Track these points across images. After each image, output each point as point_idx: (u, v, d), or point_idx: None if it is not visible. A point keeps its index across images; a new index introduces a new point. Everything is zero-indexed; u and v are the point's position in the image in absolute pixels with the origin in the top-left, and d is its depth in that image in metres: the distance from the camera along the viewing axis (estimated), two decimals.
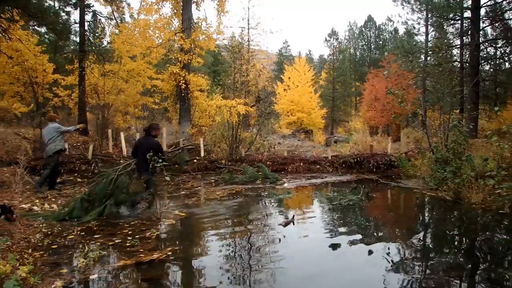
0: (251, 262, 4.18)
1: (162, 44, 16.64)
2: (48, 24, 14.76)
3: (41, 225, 5.37)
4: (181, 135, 15.86)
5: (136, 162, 6.56)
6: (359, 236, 5.25)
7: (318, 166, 12.74)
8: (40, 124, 13.77)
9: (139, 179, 6.59)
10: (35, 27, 17.89)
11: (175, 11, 16.88)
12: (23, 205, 6.39)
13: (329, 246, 4.78)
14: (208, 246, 4.84)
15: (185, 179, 10.75)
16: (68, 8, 18.11)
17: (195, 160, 12.48)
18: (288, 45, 59.31)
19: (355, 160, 12.60)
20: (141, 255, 4.18)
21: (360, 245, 4.84)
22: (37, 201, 6.94)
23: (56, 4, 18.21)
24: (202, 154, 13.03)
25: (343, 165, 12.61)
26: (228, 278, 3.69)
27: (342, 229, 5.67)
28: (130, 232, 5.15)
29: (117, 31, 17.29)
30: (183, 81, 15.90)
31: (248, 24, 30.09)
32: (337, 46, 44.66)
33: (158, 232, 5.27)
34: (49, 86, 17.28)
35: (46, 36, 22.38)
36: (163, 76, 17.28)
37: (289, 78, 34.79)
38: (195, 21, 17.21)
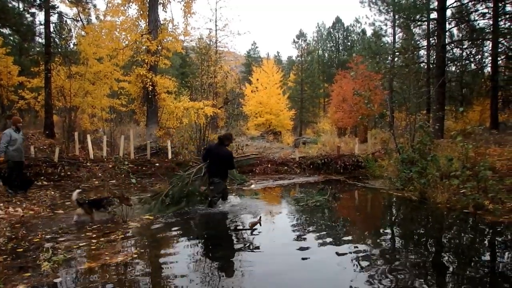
0: (219, 263, 4.20)
1: (129, 45, 16.52)
2: (12, 25, 14.78)
3: (4, 229, 5.37)
4: (149, 137, 15.67)
5: (209, 168, 7.07)
6: (326, 236, 5.25)
7: (286, 167, 12.74)
8: (5, 126, 13.81)
9: (210, 182, 7.09)
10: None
11: (141, 12, 16.74)
12: None
13: (296, 246, 4.77)
14: (175, 247, 4.78)
15: (153, 182, 10.65)
16: (33, 10, 17.86)
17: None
18: (257, 47, 59.34)
19: (323, 161, 12.66)
20: (107, 258, 4.16)
21: (328, 245, 4.85)
22: (1, 204, 6.88)
23: (21, 5, 17.91)
24: (170, 156, 12.88)
25: (311, 166, 12.64)
26: (196, 278, 3.70)
27: (309, 229, 5.68)
28: (94, 235, 5.11)
29: (83, 32, 17.09)
30: (150, 83, 15.80)
31: (216, 25, 29.79)
32: (306, 47, 45.14)
33: (123, 235, 5.17)
34: (14, 89, 17.13)
35: (10, 38, 22.01)
36: (130, 78, 17.09)
37: (258, 79, 34.74)
38: (161, 22, 17.16)
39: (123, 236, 5.12)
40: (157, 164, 11.93)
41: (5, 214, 6.29)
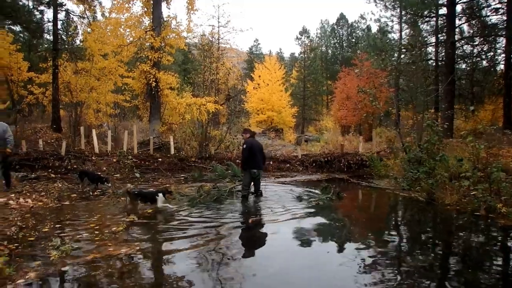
0: (220, 257, 4.20)
1: (133, 42, 16.66)
2: (22, 23, 15.40)
3: (16, 219, 5.62)
4: (152, 132, 15.68)
5: (255, 160, 7.30)
6: (329, 236, 5.16)
7: (288, 165, 12.62)
8: (15, 120, 14.79)
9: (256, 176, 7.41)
10: (10, 26, 18.57)
11: (145, 9, 16.82)
12: (0, 199, 6.72)
13: (298, 245, 4.73)
14: (175, 241, 4.79)
15: (155, 176, 10.76)
16: (42, 7, 18.45)
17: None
18: (259, 44, 58.76)
19: (326, 159, 12.51)
20: (110, 249, 4.31)
21: (331, 245, 4.78)
22: (13, 195, 7.15)
23: (30, 3, 18.47)
24: (172, 151, 12.87)
25: (313, 164, 12.48)
26: (198, 269, 3.78)
27: (311, 228, 5.51)
28: (97, 227, 5.29)
29: (89, 29, 17.47)
30: (153, 79, 15.87)
31: (218, 22, 29.61)
32: (309, 44, 44.70)
33: (124, 227, 5.27)
34: (24, 84, 17.70)
35: (20, 34, 22.72)
36: (134, 74, 17.31)
37: (260, 76, 34.47)
38: (165, 19, 17.35)
39: (125, 228, 5.21)
40: (160, 159, 12.00)
41: (17, 204, 6.58)
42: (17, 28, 20.07)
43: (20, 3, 15.84)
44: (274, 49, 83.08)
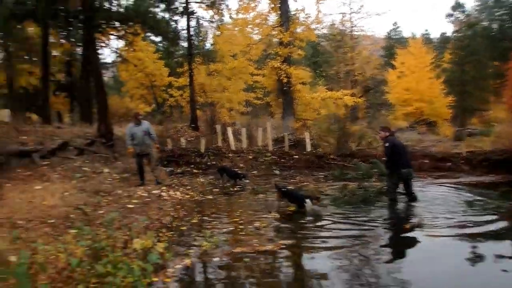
0: (368, 267, 3.98)
1: (261, 40, 17.87)
2: (162, 33, 17.76)
3: (168, 209, 6.42)
4: (285, 129, 16.16)
5: (402, 159, 6.88)
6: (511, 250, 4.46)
7: (449, 164, 11.41)
8: (161, 121, 17.13)
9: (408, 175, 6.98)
10: (152, 37, 22.25)
11: (272, 6, 17.69)
12: (154, 191, 7.63)
13: (468, 260, 4.12)
14: (320, 242, 4.81)
15: (292, 174, 11.08)
16: (176, 17, 20.94)
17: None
18: (398, 27, 53.71)
19: (501, 157, 10.77)
20: (256, 244, 4.58)
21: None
22: (164, 188, 8.15)
23: (166, 15, 21.28)
24: (308, 148, 12.95)
25: (483, 163, 10.98)
26: (339, 278, 3.63)
27: (487, 243, 4.71)
28: (241, 222, 5.76)
29: (218, 32, 19.50)
30: (285, 75, 16.41)
31: (350, 8, 28.61)
32: (465, 20, 39.21)
33: (268, 224, 5.53)
34: (165, 88, 20.85)
35: (160, 44, 26.70)
36: (264, 71, 18.47)
37: (403, 63, 31.84)
38: (292, 13, 17.80)
39: (267, 225, 5.48)
40: (296, 156, 12.24)
41: (168, 196, 7.58)
42: (158, 38, 23.40)
43: (158, 16, 18.38)
44: (417, 31, 76.05)
